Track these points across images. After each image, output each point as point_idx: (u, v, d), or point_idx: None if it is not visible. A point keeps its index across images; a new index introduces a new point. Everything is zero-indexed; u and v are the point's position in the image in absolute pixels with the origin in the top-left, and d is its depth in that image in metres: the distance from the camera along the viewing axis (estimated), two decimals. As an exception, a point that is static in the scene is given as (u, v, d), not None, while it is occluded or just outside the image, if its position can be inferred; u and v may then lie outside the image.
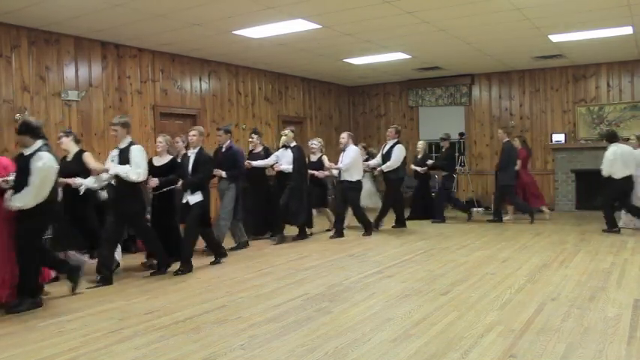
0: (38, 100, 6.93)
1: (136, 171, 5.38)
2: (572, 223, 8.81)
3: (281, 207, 7.61)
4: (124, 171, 5.36)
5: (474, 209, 11.00)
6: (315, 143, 8.32)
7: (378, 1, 6.24)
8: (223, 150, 7.20)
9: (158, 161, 6.28)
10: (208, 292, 4.99)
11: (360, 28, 7.55)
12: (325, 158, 8.33)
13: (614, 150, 7.61)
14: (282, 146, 7.87)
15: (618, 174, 7.60)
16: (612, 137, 7.87)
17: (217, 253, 6.41)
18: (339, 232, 8.10)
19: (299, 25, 7.19)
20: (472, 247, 6.94)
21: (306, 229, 8.12)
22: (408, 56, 9.60)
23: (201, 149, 6.16)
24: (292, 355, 3.28)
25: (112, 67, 7.86)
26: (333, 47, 8.70)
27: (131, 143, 5.56)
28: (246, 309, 4.34)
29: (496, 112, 11.62)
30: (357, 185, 8.09)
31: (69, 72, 7.31)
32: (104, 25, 6.88)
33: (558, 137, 10.80)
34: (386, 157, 8.59)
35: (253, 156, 7.88)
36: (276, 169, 7.82)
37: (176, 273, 5.73)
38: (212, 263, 6.26)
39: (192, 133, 6.19)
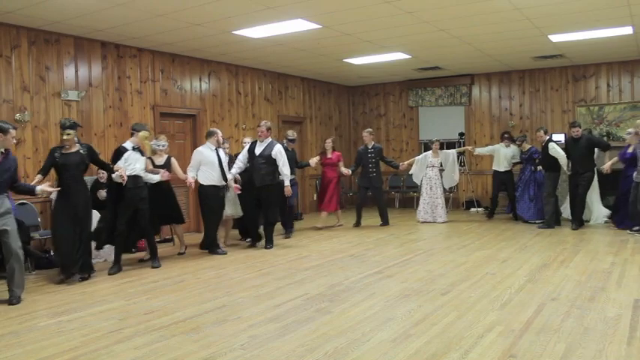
0: (38, 100, 6.93)
1: None
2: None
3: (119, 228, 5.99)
4: None
5: (474, 209, 11.05)
6: (160, 144, 6.74)
7: (378, 1, 6.24)
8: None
9: None
10: (208, 292, 4.98)
11: (360, 28, 7.56)
12: (174, 160, 6.83)
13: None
14: (132, 148, 6.11)
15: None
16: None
17: None
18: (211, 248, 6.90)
19: (299, 25, 7.19)
20: (472, 247, 6.94)
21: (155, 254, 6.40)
22: (408, 56, 9.60)
23: None
24: (292, 355, 3.28)
25: (112, 67, 7.86)
26: (333, 47, 8.70)
27: None
28: (246, 309, 4.34)
29: (496, 112, 11.62)
30: (211, 191, 6.86)
31: (69, 72, 7.31)
32: (104, 25, 6.88)
33: (558, 137, 10.73)
34: (260, 159, 7.18)
35: (68, 157, 5.50)
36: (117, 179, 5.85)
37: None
38: None
39: None
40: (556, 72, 10.92)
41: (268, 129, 7.31)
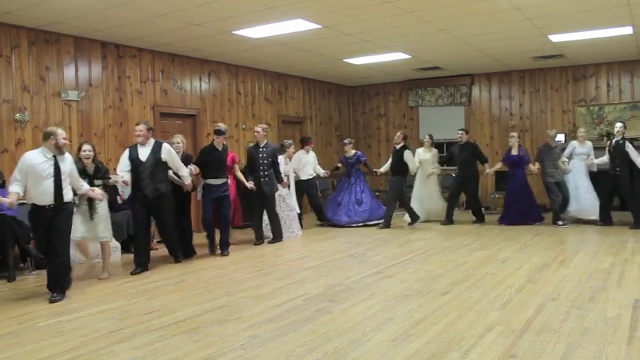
0: (38, 100, 6.93)
1: None
2: (572, 223, 8.79)
3: None
4: None
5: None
6: None
7: (378, 1, 6.24)
8: None
9: None
10: (208, 292, 4.99)
11: (360, 28, 7.55)
12: None
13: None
14: None
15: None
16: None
17: None
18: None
19: (299, 25, 7.18)
20: (472, 247, 6.94)
21: None
22: (408, 56, 9.60)
23: None
24: (292, 355, 3.28)
25: (112, 67, 7.86)
26: (333, 47, 8.70)
27: None
28: (246, 309, 4.34)
29: (496, 112, 11.62)
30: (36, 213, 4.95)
31: (69, 72, 7.31)
32: (104, 25, 6.88)
33: (558, 137, 10.69)
34: (147, 165, 5.98)
35: None
36: None
37: None
38: None
39: None
40: (556, 72, 10.92)
41: (149, 129, 6.00)
